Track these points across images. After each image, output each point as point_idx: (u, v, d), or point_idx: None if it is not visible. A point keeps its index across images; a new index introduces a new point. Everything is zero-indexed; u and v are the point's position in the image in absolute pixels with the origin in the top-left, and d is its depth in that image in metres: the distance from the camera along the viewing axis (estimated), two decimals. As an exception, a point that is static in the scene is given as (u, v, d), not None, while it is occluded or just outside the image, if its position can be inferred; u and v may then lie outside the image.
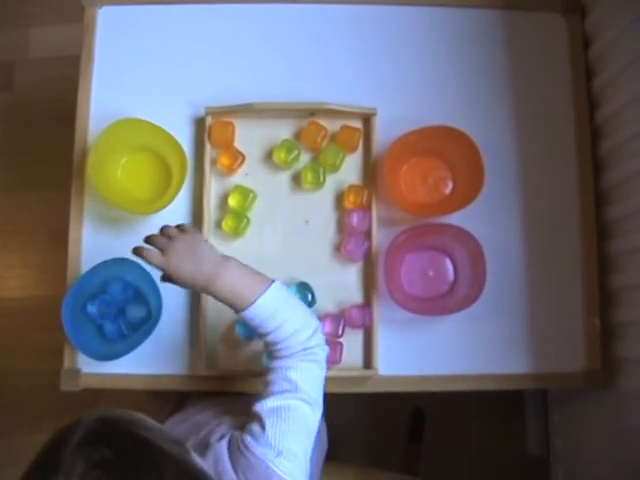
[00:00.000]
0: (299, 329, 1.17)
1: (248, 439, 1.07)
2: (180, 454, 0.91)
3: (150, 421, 0.94)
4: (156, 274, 1.38)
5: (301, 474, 1.09)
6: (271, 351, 1.18)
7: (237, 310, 1.17)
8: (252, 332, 1.22)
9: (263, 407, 1.10)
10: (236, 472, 1.04)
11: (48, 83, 2.57)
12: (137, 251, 1.20)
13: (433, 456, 2.22)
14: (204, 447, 1.09)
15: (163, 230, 1.23)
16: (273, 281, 1.20)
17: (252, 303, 1.15)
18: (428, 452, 2.24)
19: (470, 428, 2.28)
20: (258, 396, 1.13)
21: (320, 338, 1.20)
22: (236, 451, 1.06)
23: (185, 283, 1.19)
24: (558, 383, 1.56)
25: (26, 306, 2.48)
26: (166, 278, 1.20)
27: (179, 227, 1.24)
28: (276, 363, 1.16)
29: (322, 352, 1.19)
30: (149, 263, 1.19)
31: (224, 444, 1.08)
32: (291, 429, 1.09)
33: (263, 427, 1.07)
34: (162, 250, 1.19)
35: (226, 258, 1.21)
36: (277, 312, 1.17)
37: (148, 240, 1.21)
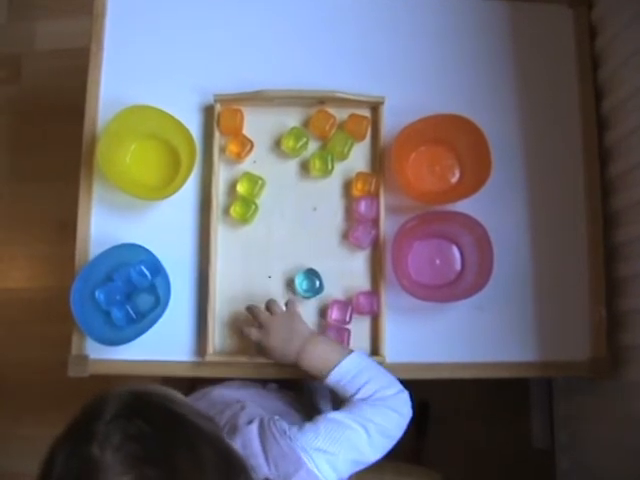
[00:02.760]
0: (385, 386, 1.23)
1: (294, 429, 1.11)
2: (214, 431, 0.93)
3: (182, 397, 0.96)
4: (165, 260, 1.40)
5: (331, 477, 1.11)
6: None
7: (324, 376, 1.25)
8: (341, 395, 1.26)
9: (330, 414, 1.16)
10: (266, 456, 1.06)
11: (55, 75, 2.58)
12: (242, 331, 1.37)
13: (438, 449, 2.23)
14: (232, 429, 1.10)
15: (268, 305, 1.38)
16: (353, 351, 1.28)
17: (336, 365, 1.24)
18: (433, 445, 2.24)
19: (475, 421, 2.28)
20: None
21: (407, 401, 1.24)
22: (269, 436, 1.08)
23: (276, 358, 1.33)
24: (564, 372, 1.57)
25: (32, 297, 2.49)
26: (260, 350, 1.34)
27: (285, 304, 1.40)
28: (362, 399, 1.21)
29: (406, 411, 1.23)
30: (250, 337, 1.35)
31: (254, 428, 1.10)
32: (341, 443, 1.12)
33: (317, 427, 1.12)
34: (261, 325, 1.34)
35: (313, 333, 1.35)
36: (361, 372, 1.24)
37: (249, 310, 1.39)
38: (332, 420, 1.14)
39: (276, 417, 1.12)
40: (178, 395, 0.95)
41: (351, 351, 1.28)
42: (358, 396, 1.20)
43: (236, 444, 1.04)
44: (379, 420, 1.17)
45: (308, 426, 1.13)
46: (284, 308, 1.39)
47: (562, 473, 1.98)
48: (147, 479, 0.79)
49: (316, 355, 1.28)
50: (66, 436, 0.85)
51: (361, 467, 1.17)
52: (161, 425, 0.86)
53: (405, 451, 2.22)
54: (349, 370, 1.23)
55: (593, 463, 1.76)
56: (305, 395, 1.50)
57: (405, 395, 1.24)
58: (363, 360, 1.27)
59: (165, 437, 0.84)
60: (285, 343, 1.31)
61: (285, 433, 1.09)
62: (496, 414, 2.28)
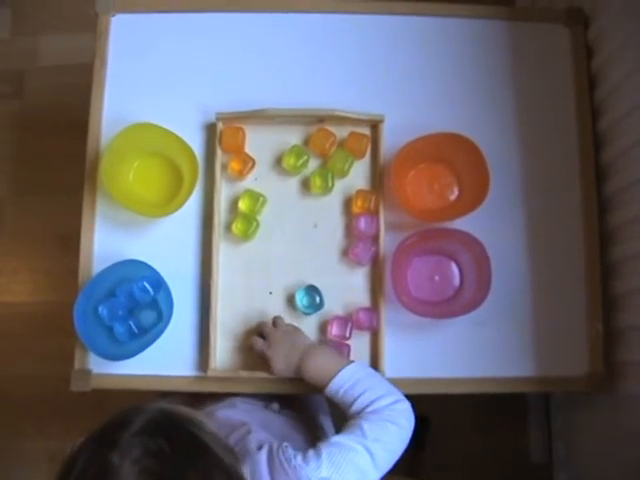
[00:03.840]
0: (383, 395, 1.23)
1: (298, 458, 1.10)
2: (232, 464, 0.94)
3: (209, 425, 0.97)
4: (167, 276, 1.42)
5: None
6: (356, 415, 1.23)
7: (324, 386, 1.27)
8: (340, 405, 1.27)
9: (330, 440, 1.16)
10: None
11: (58, 91, 2.60)
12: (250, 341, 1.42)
13: (436, 463, 2.23)
14: (241, 454, 1.10)
15: (274, 320, 1.44)
16: (353, 361, 1.31)
17: (335, 375, 1.25)
18: (431, 459, 2.25)
19: (473, 436, 2.29)
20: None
21: (406, 409, 1.24)
22: (277, 465, 1.08)
23: (278, 369, 1.37)
24: (561, 387, 1.58)
25: (33, 311, 2.49)
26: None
27: (283, 321, 1.44)
28: (358, 420, 1.20)
29: (407, 423, 1.23)
30: (254, 348, 1.41)
31: (264, 455, 1.10)
32: (344, 467, 1.12)
33: (319, 452, 1.11)
34: (266, 336, 1.40)
35: (314, 345, 1.40)
36: (359, 381, 1.25)
37: (258, 327, 1.45)
38: (334, 444, 1.14)
39: (285, 444, 1.12)
40: (206, 422, 0.97)
41: (351, 361, 1.30)
42: (355, 406, 1.21)
43: (245, 469, 1.04)
44: (380, 436, 1.17)
45: (311, 454, 1.12)
46: None
47: (560, 487, 1.99)
48: None
49: (316, 366, 1.31)
50: (92, 439, 0.88)
51: None
52: (181, 447, 0.87)
53: (403, 465, 2.25)
54: (348, 379, 1.25)
55: (590, 477, 1.77)
56: (307, 414, 1.51)
57: (404, 405, 1.24)
58: (362, 369, 1.29)
59: (182, 460, 0.86)
60: (287, 355, 1.36)
61: (292, 462, 1.09)
62: (494, 428, 2.29)
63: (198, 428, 0.93)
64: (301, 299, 1.48)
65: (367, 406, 1.21)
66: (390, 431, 1.19)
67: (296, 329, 1.42)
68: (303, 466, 1.09)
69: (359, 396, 1.22)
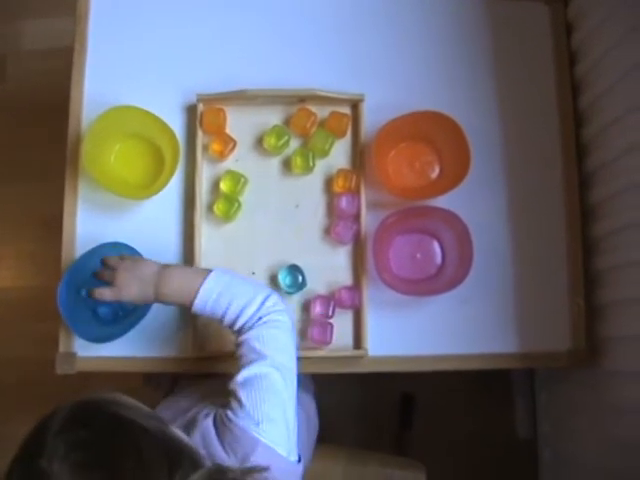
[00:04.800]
0: (249, 302, 1.20)
1: (229, 414, 1.09)
2: (157, 427, 0.93)
3: (128, 399, 0.96)
4: (150, 257, 1.42)
5: (286, 440, 1.11)
6: (235, 332, 1.22)
7: (188, 307, 1.23)
8: (211, 319, 1.25)
9: (236, 382, 1.13)
10: (223, 446, 1.06)
11: (40, 75, 2.58)
12: (90, 294, 1.28)
13: (423, 441, 2.25)
14: (191, 425, 1.11)
15: (105, 262, 1.32)
16: (211, 270, 1.25)
17: (196, 293, 1.21)
18: (419, 437, 2.27)
19: (459, 414, 2.31)
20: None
21: (275, 303, 1.22)
22: (221, 426, 1.08)
23: (139, 302, 1.29)
24: (544, 362, 1.59)
25: (18, 296, 2.50)
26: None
27: (120, 257, 1.32)
28: (240, 337, 1.19)
29: (281, 317, 1.21)
30: (103, 300, 1.27)
31: (210, 421, 1.10)
32: (265, 397, 1.11)
33: (239, 400, 1.10)
34: (111, 283, 1.27)
35: (165, 266, 1.29)
36: (222, 295, 1.21)
37: (96, 276, 1.31)
38: (243, 384, 1.12)
39: (228, 409, 1.12)
40: (126, 399, 0.96)
41: (209, 271, 1.25)
42: (226, 320, 1.20)
43: (195, 438, 1.06)
44: (272, 345, 1.16)
45: (234, 405, 1.11)
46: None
47: (544, 462, 2.01)
48: None
49: (174, 288, 1.25)
50: (20, 452, 0.87)
51: (292, 399, 1.17)
52: (104, 431, 0.87)
53: (390, 442, 2.27)
54: (211, 293, 1.21)
55: (574, 452, 1.79)
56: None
57: (272, 299, 1.22)
58: (221, 277, 1.24)
59: (107, 442, 0.86)
60: (139, 286, 1.26)
61: (233, 419, 1.08)
62: (480, 406, 2.31)
63: (116, 405, 0.92)
64: (284, 279, 1.48)
65: (239, 316, 1.19)
66: (278, 337, 1.19)
67: (133, 260, 1.32)
68: (237, 419, 1.08)
69: (227, 309, 1.20)
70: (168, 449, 0.91)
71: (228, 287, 1.23)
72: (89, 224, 1.55)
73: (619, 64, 1.46)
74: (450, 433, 2.27)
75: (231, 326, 1.21)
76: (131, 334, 1.43)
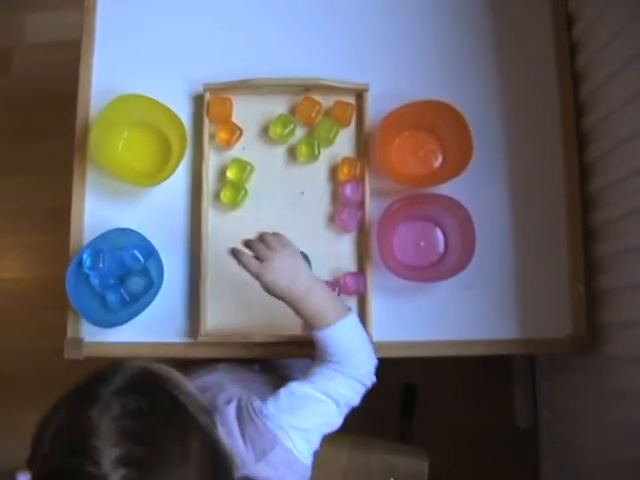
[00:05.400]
0: (364, 362, 1.24)
1: (262, 407, 1.12)
2: (209, 427, 0.95)
3: (189, 386, 0.99)
4: (157, 244, 1.43)
5: (309, 449, 1.14)
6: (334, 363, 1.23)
7: (315, 327, 1.23)
8: (317, 347, 1.26)
9: (299, 388, 1.17)
10: (243, 437, 1.08)
11: (45, 68, 2.60)
12: (235, 253, 1.25)
13: (425, 430, 2.27)
14: (212, 409, 1.11)
15: (263, 238, 1.28)
16: (351, 310, 1.27)
17: (330, 325, 1.22)
18: (420, 426, 2.29)
19: (461, 403, 2.33)
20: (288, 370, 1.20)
21: (373, 373, 1.26)
22: (245, 415, 1.11)
23: (276, 295, 1.25)
24: (545, 348, 1.60)
25: (25, 286, 2.52)
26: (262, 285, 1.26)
27: (276, 236, 1.30)
28: (332, 365, 1.21)
29: (370, 380, 1.26)
30: (246, 269, 1.24)
31: (232, 408, 1.12)
32: (313, 416, 1.16)
33: (292, 406, 1.14)
34: (261, 260, 1.24)
35: (316, 279, 1.29)
36: (349, 341, 1.24)
37: (248, 245, 1.28)
38: (304, 396, 1.16)
39: (253, 397, 1.14)
40: (186, 384, 0.98)
41: (346, 309, 1.27)
42: (334, 360, 1.21)
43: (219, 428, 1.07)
44: (346, 392, 1.20)
45: (281, 404, 1.14)
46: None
47: (545, 450, 2.03)
48: (134, 456, 0.82)
49: (313, 305, 1.24)
50: (71, 394, 0.89)
51: (330, 430, 1.21)
52: (160, 408, 0.89)
53: (392, 431, 2.29)
54: (341, 333, 1.23)
55: (574, 439, 1.81)
56: (289, 379, 1.51)
57: (374, 367, 1.27)
58: (355, 328, 1.27)
59: (160, 421, 0.87)
60: (289, 282, 1.24)
61: (262, 412, 1.11)
62: (481, 395, 2.33)
63: (177, 389, 0.94)
64: (290, 265, 1.50)
65: (349, 366, 1.21)
66: (355, 389, 1.22)
67: (295, 251, 1.30)
68: (274, 414, 1.12)
69: (344, 356, 1.22)
70: (209, 449, 0.93)
71: (356, 338, 1.27)
72: (97, 212, 1.57)
73: (619, 54, 1.47)
74: (451, 422, 2.29)
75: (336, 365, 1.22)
76: (139, 319, 1.45)
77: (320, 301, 1.25)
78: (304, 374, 1.22)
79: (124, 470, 0.80)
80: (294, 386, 1.18)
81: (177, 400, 0.93)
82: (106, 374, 0.90)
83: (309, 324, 1.25)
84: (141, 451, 0.83)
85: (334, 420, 1.20)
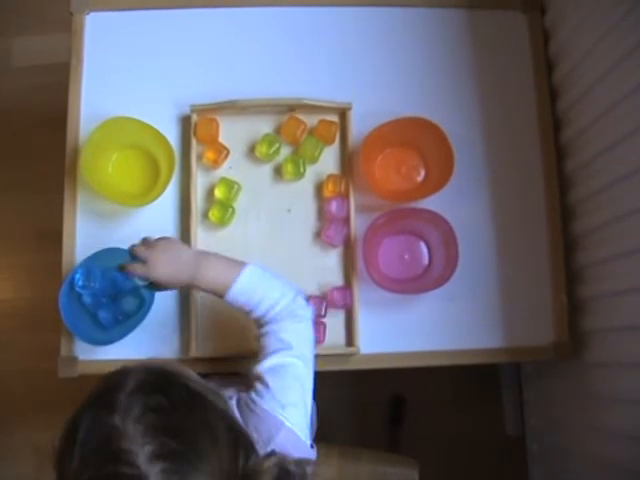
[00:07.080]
0: (279, 298, 1.26)
1: (255, 397, 1.15)
2: (224, 407, 0.99)
3: (195, 375, 1.02)
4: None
5: (305, 426, 1.17)
6: (261, 324, 1.27)
7: (221, 297, 1.28)
8: (240, 309, 1.28)
9: (263, 367, 1.18)
10: (247, 427, 1.10)
11: (31, 91, 2.59)
12: (122, 268, 1.28)
13: (414, 439, 2.29)
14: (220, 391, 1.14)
15: (144, 241, 1.32)
16: (246, 263, 1.29)
17: (231, 287, 1.25)
18: (409, 435, 2.30)
19: (449, 412, 2.34)
20: (254, 360, 1.21)
21: (302, 301, 1.30)
22: (245, 409, 1.14)
23: (169, 285, 1.30)
24: (529, 356, 1.65)
25: (16, 307, 2.51)
26: (152, 285, 1.29)
27: (158, 238, 1.33)
28: (267, 328, 1.24)
29: (307, 313, 1.29)
30: (135, 274, 1.26)
31: (233, 403, 1.15)
32: (291, 384, 1.18)
33: (266, 385, 1.15)
34: (144, 260, 1.26)
35: (202, 253, 1.33)
36: (255, 289, 1.26)
37: (132, 251, 1.30)
38: (270, 370, 1.18)
39: (252, 392, 1.17)
40: (191, 372, 1.01)
41: (242, 266, 1.28)
42: (256, 312, 1.25)
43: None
44: (297, 337, 1.23)
45: (260, 388, 1.16)
46: None
47: (532, 457, 2.06)
48: (167, 449, 0.83)
49: (210, 276, 1.28)
50: (89, 404, 0.90)
51: (311, 389, 1.23)
52: (179, 399, 0.91)
53: (382, 441, 2.31)
54: (244, 287, 1.26)
55: (561, 442, 1.84)
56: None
57: (300, 298, 1.30)
58: (255, 274, 1.29)
59: (182, 411, 0.90)
60: (174, 268, 1.27)
61: (257, 402, 1.13)
62: (470, 404, 2.35)
63: (187, 379, 0.97)
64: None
65: (268, 310, 1.24)
66: (303, 331, 1.26)
67: (171, 241, 1.33)
68: (263, 401, 1.14)
69: (258, 303, 1.25)
70: (232, 428, 0.96)
71: (262, 281, 1.28)
72: (88, 232, 1.59)
73: (595, 69, 1.51)
74: (441, 431, 2.31)
75: (260, 318, 1.26)
76: (131, 336, 1.47)
77: (213, 272, 1.28)
78: (258, 357, 1.23)
79: (161, 464, 0.82)
80: (265, 365, 1.19)
81: (191, 389, 0.95)
82: (117, 380, 0.92)
83: (218, 296, 1.28)
84: (172, 443, 0.84)
85: (303, 372, 1.21)
